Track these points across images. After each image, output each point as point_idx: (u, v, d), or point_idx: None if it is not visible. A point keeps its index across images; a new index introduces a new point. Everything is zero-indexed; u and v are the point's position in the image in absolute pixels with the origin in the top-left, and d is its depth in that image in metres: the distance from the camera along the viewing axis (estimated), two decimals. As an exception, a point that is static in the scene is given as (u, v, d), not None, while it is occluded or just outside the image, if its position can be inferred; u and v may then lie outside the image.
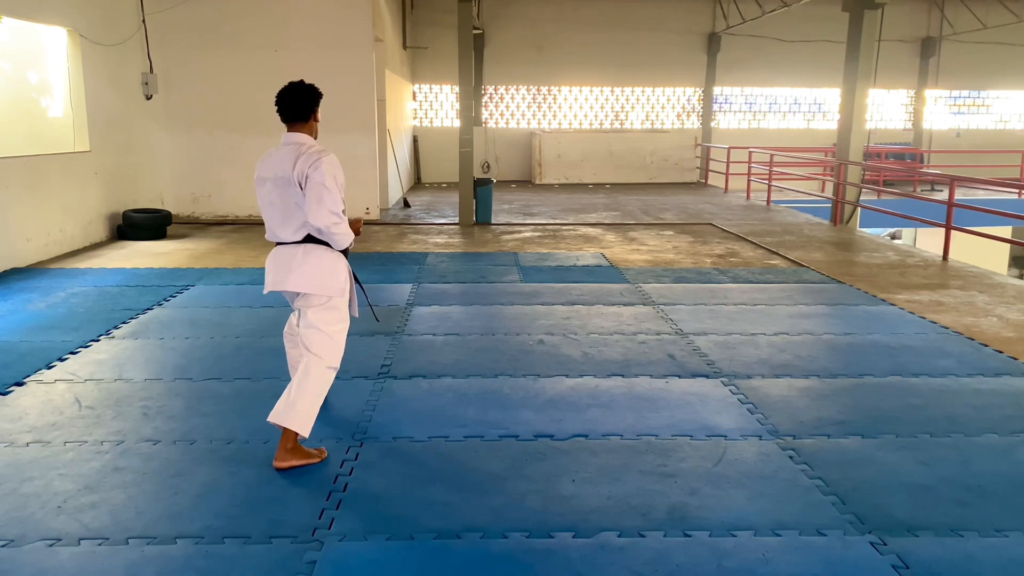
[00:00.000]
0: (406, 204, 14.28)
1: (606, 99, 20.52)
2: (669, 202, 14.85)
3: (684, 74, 20.30)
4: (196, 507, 3.22)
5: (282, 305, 6.29)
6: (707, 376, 4.88)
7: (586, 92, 20.40)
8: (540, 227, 11.45)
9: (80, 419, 4.12)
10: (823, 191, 16.55)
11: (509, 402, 4.42)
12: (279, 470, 3.53)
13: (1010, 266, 21.16)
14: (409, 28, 17.75)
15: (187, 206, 11.91)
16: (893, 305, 6.76)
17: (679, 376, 4.88)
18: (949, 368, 5.07)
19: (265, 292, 3.73)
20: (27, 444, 3.81)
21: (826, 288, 7.45)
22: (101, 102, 9.78)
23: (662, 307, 6.64)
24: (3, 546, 2.92)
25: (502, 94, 20.11)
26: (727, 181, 17.04)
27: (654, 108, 20.67)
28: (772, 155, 14.47)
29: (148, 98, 11.07)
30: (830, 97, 20.87)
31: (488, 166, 14.19)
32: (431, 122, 19.88)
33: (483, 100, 19.83)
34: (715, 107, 20.68)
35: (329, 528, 3.07)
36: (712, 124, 20.66)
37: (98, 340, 5.53)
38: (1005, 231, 15.06)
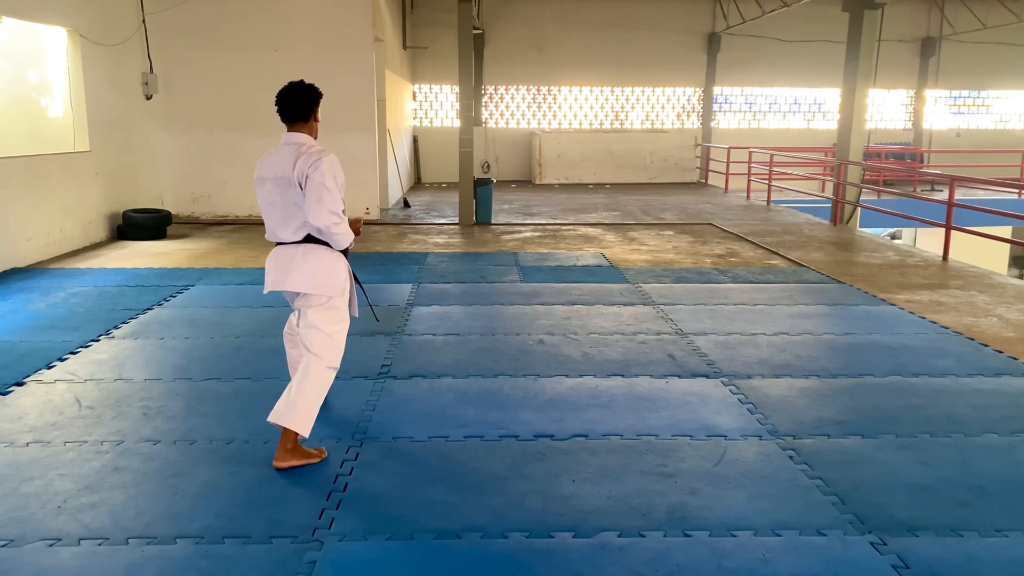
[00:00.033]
0: (406, 204, 14.28)
1: (606, 99, 20.51)
2: (669, 202, 14.85)
3: (684, 74, 20.30)
4: (196, 507, 3.22)
5: (282, 305, 6.29)
6: (707, 376, 4.88)
7: (586, 92, 20.39)
8: (540, 227, 11.45)
9: (80, 419, 4.12)
10: (823, 191, 16.55)
11: (509, 402, 4.42)
12: (279, 470, 3.53)
13: (1010, 266, 21.16)
14: (409, 28, 17.75)
15: (187, 206, 11.91)
16: (893, 305, 6.76)
17: (679, 376, 4.88)
18: (949, 368, 5.07)
19: (265, 292, 3.73)
20: (27, 444, 3.81)
21: (826, 288, 7.45)
22: (101, 102, 9.78)
23: (662, 307, 6.64)
24: (3, 546, 2.92)
25: (502, 94, 20.11)
26: (727, 181, 17.04)
27: (654, 108, 20.67)
28: (772, 155, 14.47)
29: (148, 98, 11.07)
30: (830, 97, 20.87)
31: (488, 166, 14.18)
32: (431, 122, 19.87)
33: (483, 100, 19.83)
34: (715, 107, 20.68)
35: (329, 528, 3.07)
36: (712, 124, 20.66)
37: (98, 340, 5.54)
38: (1005, 231, 15.06)
